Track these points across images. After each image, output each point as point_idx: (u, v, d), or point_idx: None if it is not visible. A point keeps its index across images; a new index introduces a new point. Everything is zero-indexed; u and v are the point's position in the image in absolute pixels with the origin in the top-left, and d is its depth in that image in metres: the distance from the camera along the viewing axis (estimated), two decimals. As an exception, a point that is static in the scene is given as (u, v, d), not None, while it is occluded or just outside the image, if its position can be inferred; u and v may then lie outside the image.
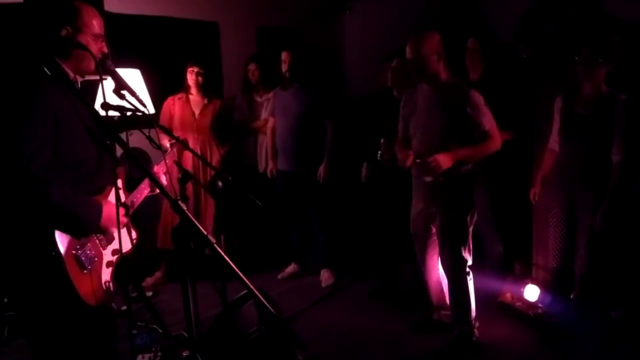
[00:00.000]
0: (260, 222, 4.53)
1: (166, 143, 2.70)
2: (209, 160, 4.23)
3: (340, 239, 4.44)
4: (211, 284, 3.04)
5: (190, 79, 4.17)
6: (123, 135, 3.70)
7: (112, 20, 3.87)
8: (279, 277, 4.37)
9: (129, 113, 1.93)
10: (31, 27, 1.84)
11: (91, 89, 3.28)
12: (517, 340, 3.20)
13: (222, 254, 1.36)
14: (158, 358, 2.98)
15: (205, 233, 1.33)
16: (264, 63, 4.53)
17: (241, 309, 2.69)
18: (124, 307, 3.58)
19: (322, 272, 4.29)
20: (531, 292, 3.42)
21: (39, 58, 1.76)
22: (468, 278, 3.03)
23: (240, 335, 2.66)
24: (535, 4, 3.88)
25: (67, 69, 1.83)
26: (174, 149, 2.58)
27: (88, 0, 1.93)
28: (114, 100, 1.93)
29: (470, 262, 3.03)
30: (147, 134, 2.23)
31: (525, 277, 3.59)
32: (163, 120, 4.16)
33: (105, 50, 1.91)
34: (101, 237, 1.89)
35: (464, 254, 3.00)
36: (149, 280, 4.24)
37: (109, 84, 1.93)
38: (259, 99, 4.59)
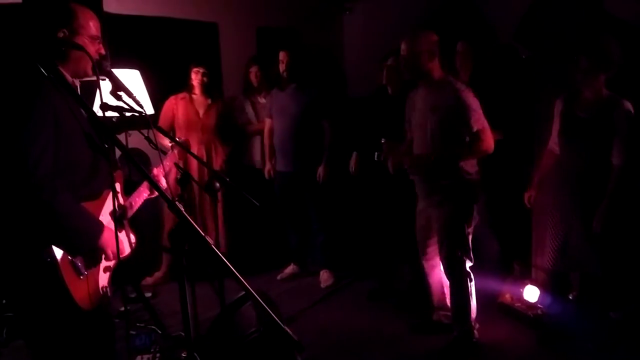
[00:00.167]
0: (260, 223, 4.53)
1: (167, 143, 2.69)
2: (213, 160, 4.27)
3: (339, 239, 4.43)
4: (210, 285, 3.06)
5: (196, 79, 4.19)
6: (122, 137, 3.74)
7: (111, 21, 3.89)
8: (278, 277, 4.37)
9: (128, 114, 1.93)
10: (28, 30, 1.83)
11: (89, 91, 3.28)
12: (516, 341, 3.20)
13: (220, 255, 1.36)
14: (157, 359, 2.98)
15: (203, 234, 1.33)
16: (266, 64, 4.53)
17: (240, 309, 2.69)
18: (124, 308, 3.61)
19: (321, 272, 4.29)
20: (530, 293, 3.41)
21: (36, 60, 1.75)
22: (468, 279, 3.02)
23: (239, 336, 2.66)
24: (535, 4, 3.88)
25: (64, 72, 1.82)
26: (174, 151, 2.57)
27: (87, 0, 1.93)
28: (112, 101, 1.93)
29: (470, 264, 3.03)
30: (146, 135, 2.23)
31: (525, 278, 3.59)
32: (165, 120, 4.16)
33: (103, 51, 1.91)
34: None
35: (461, 256, 2.99)
36: (149, 280, 4.25)
37: (106, 85, 1.92)
38: (262, 101, 4.59)
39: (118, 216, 1.97)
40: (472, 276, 3.04)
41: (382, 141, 3.17)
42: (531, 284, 3.45)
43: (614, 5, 3.46)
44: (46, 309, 1.75)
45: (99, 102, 1.89)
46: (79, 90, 1.89)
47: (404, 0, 5.28)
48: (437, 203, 3.01)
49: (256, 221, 4.41)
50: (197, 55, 4.44)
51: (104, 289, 1.88)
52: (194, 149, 4.18)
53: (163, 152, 2.31)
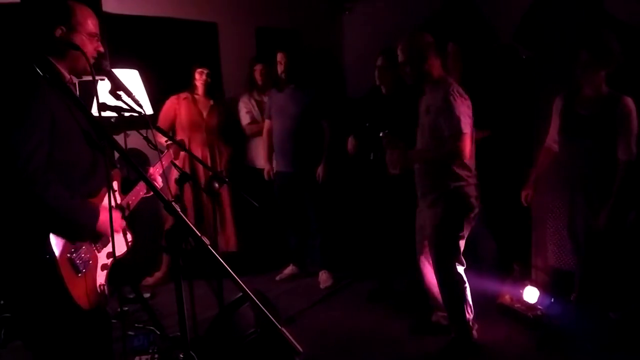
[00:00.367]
0: (260, 223, 4.54)
1: (164, 142, 2.69)
2: (217, 160, 4.28)
3: (338, 240, 4.42)
4: (208, 285, 3.06)
5: (200, 79, 4.21)
6: (121, 136, 3.73)
7: (110, 21, 3.88)
8: (277, 278, 4.36)
9: (126, 114, 1.92)
10: (26, 27, 1.82)
11: (88, 90, 3.27)
12: (516, 342, 3.19)
13: (217, 256, 1.35)
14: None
15: (200, 234, 1.32)
16: (270, 63, 4.53)
17: (238, 310, 2.68)
18: (125, 308, 3.60)
19: (320, 273, 4.28)
20: (530, 294, 3.41)
21: (31, 58, 1.75)
22: (461, 283, 3.00)
23: (238, 337, 2.66)
24: (535, 5, 3.88)
25: (62, 69, 1.82)
26: (171, 150, 2.57)
27: (87, 0, 1.93)
28: (110, 100, 1.93)
29: (460, 267, 3.00)
30: (145, 135, 2.23)
31: (524, 278, 3.58)
32: (166, 119, 4.16)
33: (101, 49, 1.91)
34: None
35: (449, 260, 2.97)
36: (150, 280, 4.24)
37: (106, 84, 1.92)
38: (267, 100, 4.58)
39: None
40: (465, 279, 3.01)
41: (381, 134, 3.15)
42: (531, 284, 3.45)
43: (614, 6, 3.46)
44: (45, 307, 1.75)
45: (99, 102, 1.89)
46: (77, 88, 1.89)
47: (404, 1, 5.27)
48: (429, 204, 3.01)
49: (257, 221, 4.41)
50: (197, 56, 4.44)
51: (102, 287, 1.88)
52: (198, 150, 4.20)
53: (161, 151, 2.31)
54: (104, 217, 1.81)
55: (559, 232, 3.12)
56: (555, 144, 3.12)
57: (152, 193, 2.09)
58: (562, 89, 3.11)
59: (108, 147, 1.88)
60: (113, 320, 2.08)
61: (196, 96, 4.25)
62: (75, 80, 1.96)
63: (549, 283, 3.33)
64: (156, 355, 2.97)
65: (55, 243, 1.70)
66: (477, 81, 3.54)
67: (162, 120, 4.13)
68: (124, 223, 2.00)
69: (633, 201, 2.90)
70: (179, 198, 2.22)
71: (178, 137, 4.11)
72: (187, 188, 4.07)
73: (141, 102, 1.93)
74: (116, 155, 2.58)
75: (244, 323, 2.64)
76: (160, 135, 2.84)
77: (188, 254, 1.40)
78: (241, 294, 2.41)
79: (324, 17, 5.97)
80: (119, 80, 1.89)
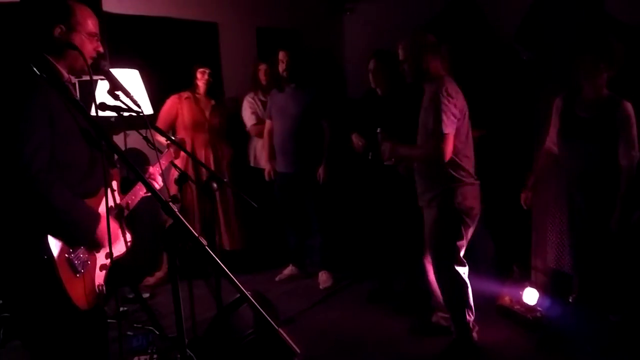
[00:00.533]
0: (261, 223, 4.54)
1: (164, 141, 2.69)
2: (219, 160, 4.30)
3: (338, 240, 4.42)
4: (206, 285, 3.06)
5: (202, 79, 4.22)
6: (121, 136, 3.72)
7: (111, 21, 3.88)
8: (277, 279, 4.35)
9: (126, 114, 1.92)
10: (25, 26, 1.82)
11: (88, 89, 3.27)
12: (515, 344, 3.19)
13: (215, 257, 1.35)
14: (154, 360, 2.97)
15: (197, 235, 1.32)
16: (273, 63, 4.53)
17: (238, 310, 2.68)
18: (124, 308, 3.60)
19: (319, 274, 4.27)
20: (530, 296, 3.40)
21: (29, 57, 1.75)
22: (462, 284, 2.98)
23: (237, 337, 2.65)
24: (536, 6, 3.87)
25: (61, 69, 1.82)
26: (170, 150, 2.57)
27: (87, 0, 1.93)
28: (110, 100, 1.93)
29: (461, 268, 2.98)
30: (144, 135, 2.23)
31: (524, 280, 3.57)
32: (167, 118, 4.16)
33: (101, 49, 1.90)
34: None
35: (447, 262, 2.95)
36: (150, 280, 4.24)
37: (106, 84, 1.92)
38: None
39: (115, 215, 1.97)
40: (467, 280, 3.00)
41: (378, 130, 3.15)
42: (530, 286, 3.44)
43: (615, 7, 3.45)
44: (43, 307, 1.75)
45: (98, 101, 1.89)
46: (77, 87, 1.88)
47: (405, 2, 5.27)
48: (426, 204, 3.00)
49: (258, 221, 4.43)
50: (197, 56, 4.44)
51: (100, 288, 1.87)
52: (201, 150, 4.21)
53: (160, 150, 2.31)
54: (104, 225, 1.80)
55: (559, 234, 3.11)
56: (554, 146, 3.12)
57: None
58: (562, 90, 3.11)
59: (106, 147, 1.87)
60: (112, 320, 2.07)
61: (197, 96, 4.25)
62: (75, 80, 1.96)
63: (549, 285, 3.32)
64: (155, 356, 2.97)
65: (54, 243, 1.70)
66: (474, 80, 3.53)
67: (164, 119, 4.13)
68: (123, 223, 2.00)
69: (637, 201, 2.89)
70: (176, 198, 2.22)
71: (180, 137, 4.11)
72: (191, 188, 4.08)
73: (140, 102, 1.93)
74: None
75: (243, 324, 2.64)
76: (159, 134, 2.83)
77: (186, 254, 1.40)
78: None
79: (325, 17, 5.97)
80: (117, 80, 1.89)
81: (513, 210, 3.56)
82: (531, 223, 3.59)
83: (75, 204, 1.75)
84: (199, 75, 4.21)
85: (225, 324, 2.64)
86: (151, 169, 2.27)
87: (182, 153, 2.67)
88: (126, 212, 2.07)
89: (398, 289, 3.90)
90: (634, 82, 3.08)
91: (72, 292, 1.73)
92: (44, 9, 1.80)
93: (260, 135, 4.48)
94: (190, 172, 4.07)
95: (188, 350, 2.06)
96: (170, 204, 1.32)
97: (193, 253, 1.39)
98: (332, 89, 5.38)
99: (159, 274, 4.28)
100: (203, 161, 4.13)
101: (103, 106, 1.91)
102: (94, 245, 1.84)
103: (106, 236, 1.76)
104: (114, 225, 1.88)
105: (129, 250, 2.05)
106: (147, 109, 3.70)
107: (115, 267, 1.95)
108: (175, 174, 3.18)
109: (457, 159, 2.84)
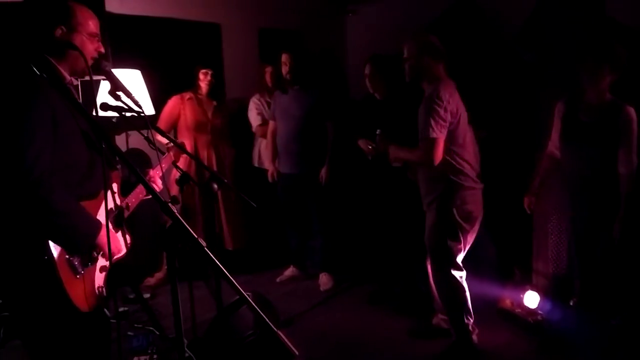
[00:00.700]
0: (261, 224, 4.54)
1: (166, 141, 2.69)
2: (222, 161, 4.30)
3: (339, 242, 4.42)
4: (206, 286, 3.06)
5: (204, 80, 4.22)
6: (122, 136, 3.72)
7: (113, 21, 3.89)
8: (278, 280, 4.36)
9: (128, 114, 1.92)
10: (26, 27, 1.82)
11: (89, 90, 3.28)
12: (516, 347, 3.18)
13: (214, 258, 1.35)
14: (154, 360, 2.97)
15: (196, 236, 1.32)
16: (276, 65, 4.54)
17: (238, 311, 2.68)
18: (124, 308, 3.60)
19: (320, 275, 4.27)
20: (531, 299, 3.39)
21: (30, 58, 1.75)
22: (454, 285, 2.97)
23: (237, 339, 2.65)
24: (538, 8, 3.87)
25: (62, 70, 1.82)
26: (170, 153, 2.57)
27: (89, 0, 1.93)
28: (111, 101, 1.93)
29: (458, 272, 2.97)
30: (146, 135, 2.23)
31: (525, 283, 3.57)
32: (169, 118, 4.16)
33: (102, 49, 1.90)
34: None
35: (444, 266, 2.95)
36: (151, 281, 4.24)
37: (107, 84, 1.92)
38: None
39: (115, 216, 1.97)
40: (465, 285, 2.99)
41: (377, 132, 3.16)
42: (531, 289, 3.43)
43: (616, 10, 3.45)
44: (43, 308, 1.74)
45: (100, 102, 1.89)
46: (79, 88, 1.88)
47: (407, 3, 5.27)
48: (426, 207, 3.01)
49: (260, 221, 4.43)
50: (200, 57, 4.45)
51: (100, 289, 1.87)
52: (203, 151, 4.21)
53: (161, 151, 2.31)
54: (104, 231, 1.79)
55: (560, 237, 3.10)
56: (557, 150, 3.10)
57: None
58: (563, 92, 3.10)
59: (107, 149, 1.87)
60: (112, 321, 2.07)
61: (200, 96, 4.26)
62: (77, 82, 1.95)
63: (550, 288, 3.32)
64: (155, 356, 2.97)
65: (54, 244, 1.70)
66: (475, 82, 3.53)
67: (166, 119, 4.14)
68: (122, 232, 1.99)
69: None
70: (176, 199, 2.22)
71: (183, 138, 4.13)
72: (194, 189, 4.08)
73: (141, 103, 1.93)
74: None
75: (243, 325, 2.64)
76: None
77: (186, 255, 1.40)
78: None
79: (327, 18, 5.97)
80: (118, 80, 1.89)
81: (514, 213, 3.55)
82: (532, 226, 3.58)
83: (77, 209, 1.74)
84: (201, 76, 4.21)
85: (225, 325, 2.64)
86: (151, 172, 2.27)
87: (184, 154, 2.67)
88: (127, 213, 2.07)
89: (399, 291, 3.90)
90: (636, 86, 3.07)
91: (72, 294, 1.72)
92: (45, 10, 1.80)
93: (265, 136, 4.49)
94: (193, 172, 4.07)
95: (188, 351, 2.06)
96: (170, 204, 1.32)
97: (193, 254, 1.39)
98: (335, 90, 5.38)
99: (158, 275, 4.28)
100: (205, 162, 4.14)
101: (105, 106, 1.91)
102: (94, 252, 1.83)
103: (106, 242, 1.75)
104: (113, 230, 1.87)
105: (130, 250, 2.04)
106: (149, 110, 3.70)
107: (116, 267, 1.95)
108: (176, 174, 3.19)
109: (455, 163, 2.83)
